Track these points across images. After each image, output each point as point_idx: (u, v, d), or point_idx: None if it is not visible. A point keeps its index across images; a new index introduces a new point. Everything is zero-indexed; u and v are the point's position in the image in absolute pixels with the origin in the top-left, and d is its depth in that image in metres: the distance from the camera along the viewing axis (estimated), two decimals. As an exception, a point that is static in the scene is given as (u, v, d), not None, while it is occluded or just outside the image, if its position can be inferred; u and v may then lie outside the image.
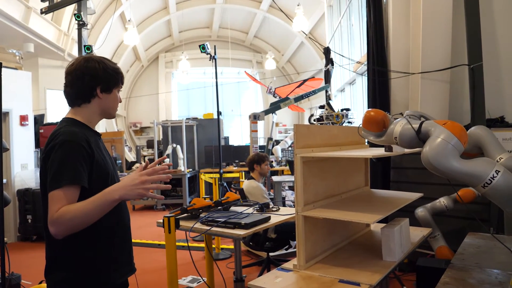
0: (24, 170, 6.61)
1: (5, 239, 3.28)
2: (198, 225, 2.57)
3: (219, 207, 2.92)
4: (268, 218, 2.69)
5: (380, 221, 2.25)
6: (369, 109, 1.88)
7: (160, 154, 9.79)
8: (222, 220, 2.54)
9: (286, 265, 1.97)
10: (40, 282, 3.94)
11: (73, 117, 1.66)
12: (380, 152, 2.04)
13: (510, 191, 1.55)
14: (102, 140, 1.83)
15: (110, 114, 1.75)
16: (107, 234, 1.63)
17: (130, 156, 13.54)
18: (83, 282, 1.58)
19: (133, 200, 1.80)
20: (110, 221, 1.60)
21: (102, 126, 12.73)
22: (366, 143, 2.69)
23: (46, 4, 6.74)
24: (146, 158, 13.01)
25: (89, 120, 1.69)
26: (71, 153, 1.50)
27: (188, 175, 8.90)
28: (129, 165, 10.55)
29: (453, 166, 1.55)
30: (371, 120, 1.80)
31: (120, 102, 1.80)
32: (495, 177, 1.53)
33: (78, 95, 1.65)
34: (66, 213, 1.42)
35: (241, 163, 9.11)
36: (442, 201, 3.34)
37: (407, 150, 1.99)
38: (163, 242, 2.46)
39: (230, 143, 12.28)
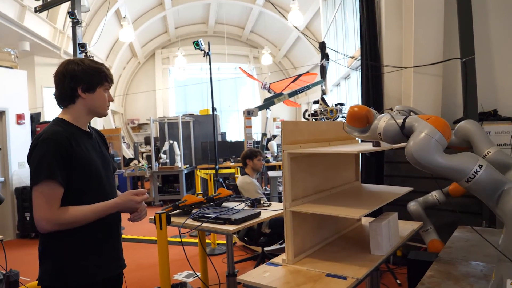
0: (22, 168, 6.62)
1: (0, 236, 3.31)
2: (189, 221, 2.60)
3: (211, 203, 2.95)
4: (258, 214, 2.72)
5: (373, 216, 2.27)
6: (353, 105, 1.88)
7: (157, 150, 9.81)
8: (213, 216, 2.56)
9: (275, 259, 1.99)
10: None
11: (62, 117, 1.74)
12: (367, 147, 2.05)
13: (492, 186, 1.56)
14: (101, 138, 1.92)
15: (98, 113, 1.80)
16: (93, 230, 1.69)
17: (128, 153, 13.55)
18: (68, 274, 1.64)
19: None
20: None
21: (100, 123, 12.73)
22: (357, 138, 2.70)
23: (40, 2, 6.73)
24: (144, 155, 13.02)
25: (77, 120, 1.75)
26: (50, 150, 1.58)
27: (185, 171, 8.93)
28: (127, 162, 10.56)
29: (437, 161, 1.56)
30: (355, 116, 1.80)
31: (111, 100, 1.83)
32: (478, 171, 1.54)
33: (62, 97, 1.74)
34: (67, 218, 1.58)
35: (238, 158, 9.13)
36: (434, 195, 3.36)
37: (395, 145, 2.00)
38: (158, 238, 2.49)
39: (228, 138, 12.30)
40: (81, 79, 1.70)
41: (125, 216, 1.86)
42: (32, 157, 1.60)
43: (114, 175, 1.95)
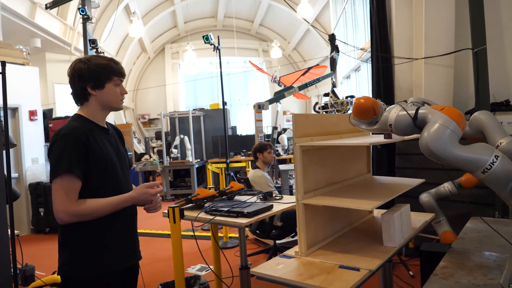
0: (35, 164, 6.72)
1: (16, 231, 3.37)
2: (202, 215, 2.62)
3: (223, 197, 2.97)
4: (271, 207, 2.73)
5: (385, 208, 2.27)
6: (359, 96, 1.86)
7: (168, 145, 9.86)
8: (226, 209, 2.58)
9: (288, 252, 2.00)
10: (54, 273, 4.05)
11: (79, 113, 1.81)
12: (379, 139, 2.05)
13: (506, 177, 1.55)
14: (118, 134, 1.97)
15: (111, 107, 1.85)
16: (110, 222, 1.74)
17: (140, 148, 13.66)
18: (85, 264, 1.70)
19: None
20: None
21: (111, 119, 12.84)
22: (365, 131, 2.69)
23: (51, -1, 6.79)
24: (155, 150, 13.11)
25: (93, 116, 1.80)
26: (69, 145, 1.64)
27: (196, 166, 8.97)
28: (138, 157, 10.65)
29: (453, 152, 1.53)
30: (361, 108, 1.77)
31: (125, 93, 1.87)
32: (495, 162, 1.52)
33: (76, 96, 1.80)
34: (85, 209, 1.64)
35: (248, 152, 9.14)
36: (446, 186, 3.35)
37: (406, 137, 1.99)
38: (171, 232, 2.52)
39: (238, 132, 12.31)
40: (88, 77, 1.75)
41: (140, 210, 1.90)
42: (52, 152, 1.66)
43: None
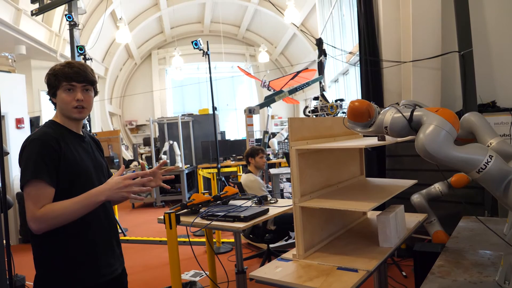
0: (23, 173, 6.61)
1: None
2: (198, 220, 2.61)
3: (218, 202, 2.97)
4: (267, 211, 2.74)
5: (377, 209, 2.30)
6: (353, 100, 1.89)
7: (157, 151, 9.81)
8: (222, 214, 2.58)
9: (285, 255, 2.01)
10: (45, 283, 3.99)
11: (53, 119, 1.77)
12: (373, 141, 2.07)
13: (500, 176, 1.58)
14: (96, 143, 1.90)
15: (67, 116, 1.73)
16: (81, 233, 1.65)
17: (127, 155, 13.55)
18: (58, 281, 1.61)
19: (118, 201, 1.86)
20: (84, 219, 1.60)
21: (98, 126, 12.74)
22: (360, 134, 2.72)
23: (37, 5, 6.72)
24: (144, 156, 13.03)
25: (65, 122, 1.75)
26: (36, 150, 1.57)
27: (186, 171, 8.94)
28: (127, 164, 10.57)
29: (449, 153, 1.55)
30: (356, 111, 1.79)
31: (78, 100, 1.69)
32: (489, 162, 1.55)
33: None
34: (50, 212, 1.51)
35: (238, 157, 9.15)
36: (437, 187, 3.40)
37: (399, 139, 2.02)
38: (165, 239, 2.51)
39: (227, 137, 12.31)
40: (47, 86, 1.73)
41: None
42: (21, 159, 1.59)
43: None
